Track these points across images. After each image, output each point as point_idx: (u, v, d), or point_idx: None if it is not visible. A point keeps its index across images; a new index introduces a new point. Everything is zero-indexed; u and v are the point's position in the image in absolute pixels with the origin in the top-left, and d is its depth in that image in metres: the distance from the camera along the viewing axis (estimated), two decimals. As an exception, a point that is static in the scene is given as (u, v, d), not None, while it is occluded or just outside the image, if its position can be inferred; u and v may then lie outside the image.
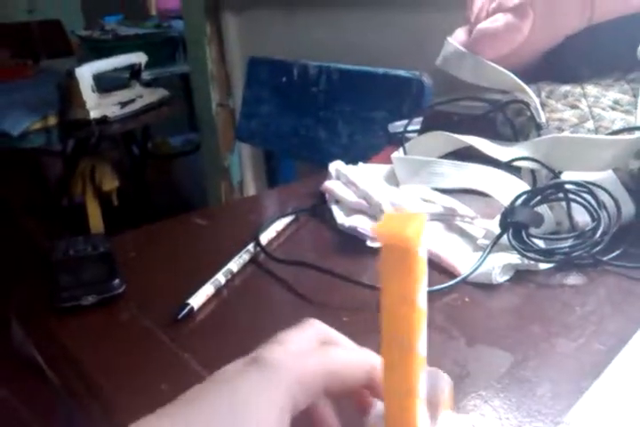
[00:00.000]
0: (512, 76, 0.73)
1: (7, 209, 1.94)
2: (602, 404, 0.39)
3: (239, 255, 0.61)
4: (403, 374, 0.27)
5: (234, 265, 0.59)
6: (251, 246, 0.63)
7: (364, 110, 1.21)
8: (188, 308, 0.52)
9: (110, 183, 1.87)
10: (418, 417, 0.28)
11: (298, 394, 0.28)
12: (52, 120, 1.57)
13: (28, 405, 1.46)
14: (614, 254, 0.57)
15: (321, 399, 0.31)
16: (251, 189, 1.97)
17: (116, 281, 0.55)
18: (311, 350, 0.31)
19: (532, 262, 0.56)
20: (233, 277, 0.59)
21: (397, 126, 0.96)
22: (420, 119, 0.87)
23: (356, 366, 0.30)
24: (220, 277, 0.57)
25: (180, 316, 0.51)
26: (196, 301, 0.53)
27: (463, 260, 0.58)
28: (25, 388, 1.36)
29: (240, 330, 0.51)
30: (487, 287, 0.55)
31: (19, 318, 0.57)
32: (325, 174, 0.78)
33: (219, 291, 0.56)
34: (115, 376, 0.45)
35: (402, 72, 1.14)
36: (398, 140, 0.82)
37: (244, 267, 0.61)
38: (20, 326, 0.56)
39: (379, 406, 0.32)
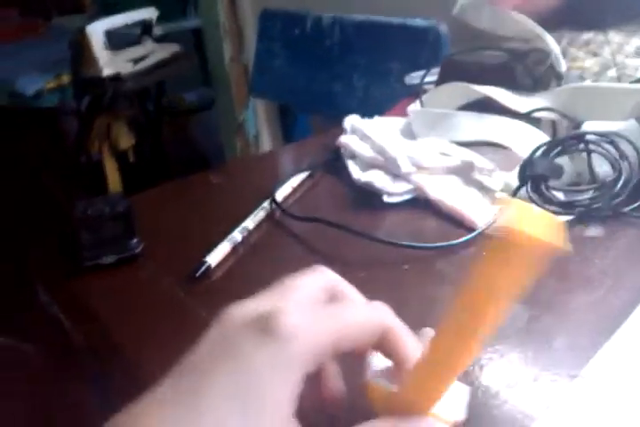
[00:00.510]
0: (532, 23, 0.71)
1: (26, 167, 1.95)
2: (619, 359, 0.39)
3: (255, 213, 0.61)
4: (455, 355, 0.27)
5: (250, 222, 0.59)
6: (266, 203, 0.63)
7: (380, 62, 1.18)
8: (206, 266, 0.52)
9: (126, 141, 1.87)
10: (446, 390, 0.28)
11: (310, 364, 0.27)
12: (66, 78, 1.57)
13: (54, 361, 1.49)
14: (635, 206, 0.56)
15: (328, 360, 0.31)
16: (266, 144, 1.96)
17: (135, 241, 0.55)
18: (322, 310, 0.29)
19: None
20: (249, 234, 0.59)
21: (414, 78, 0.94)
22: (437, 70, 0.85)
23: (368, 328, 0.29)
24: (237, 235, 0.57)
25: (198, 274, 0.51)
26: (213, 258, 0.53)
27: (481, 213, 0.57)
28: (50, 345, 1.39)
29: (257, 287, 0.51)
30: (505, 241, 0.54)
31: (40, 276, 0.57)
32: (341, 129, 0.77)
33: (235, 248, 0.57)
34: (135, 334, 0.46)
35: (418, 21, 1.11)
36: (415, 92, 0.81)
37: (260, 224, 0.61)
38: (41, 284, 0.57)
39: (375, 362, 0.32)
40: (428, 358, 0.28)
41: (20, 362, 1.48)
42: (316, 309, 0.29)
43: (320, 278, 0.32)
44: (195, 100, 2.51)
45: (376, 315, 0.30)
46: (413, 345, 0.30)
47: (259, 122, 1.91)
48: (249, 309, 0.29)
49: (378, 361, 0.31)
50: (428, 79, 0.82)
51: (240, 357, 0.26)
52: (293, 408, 0.26)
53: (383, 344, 0.30)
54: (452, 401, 0.30)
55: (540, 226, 0.22)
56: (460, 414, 0.30)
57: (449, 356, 0.27)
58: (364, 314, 0.30)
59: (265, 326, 0.27)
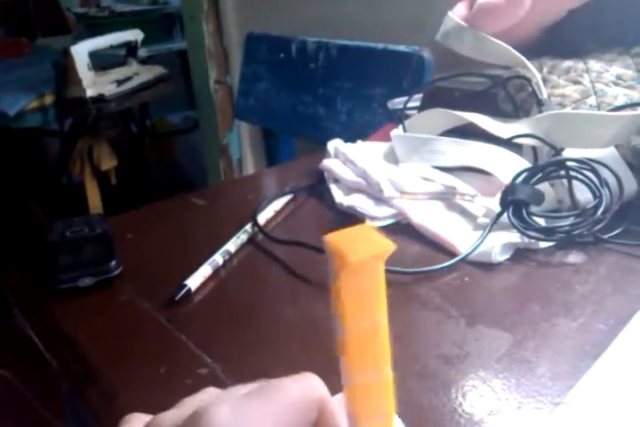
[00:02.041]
0: (513, 51, 0.72)
1: (6, 188, 1.93)
2: (602, 385, 0.38)
3: (237, 236, 0.61)
4: (376, 397, 0.25)
5: (231, 246, 0.59)
6: (248, 227, 0.63)
7: (364, 87, 1.19)
8: (186, 289, 0.51)
9: (108, 163, 1.86)
10: None
11: None
12: (49, 99, 1.56)
13: (30, 386, 1.47)
14: (616, 232, 0.57)
15: None
16: (250, 167, 1.96)
17: (113, 263, 0.54)
18: (257, 399, 0.25)
19: (533, 241, 0.56)
20: (231, 257, 0.58)
21: (397, 103, 0.94)
22: (419, 96, 0.86)
23: (308, 407, 0.26)
24: (218, 258, 0.57)
25: (178, 297, 0.51)
26: (194, 282, 0.53)
27: (463, 239, 0.57)
28: (27, 369, 1.37)
29: (238, 311, 0.50)
30: (487, 266, 0.54)
31: (16, 299, 0.56)
32: (324, 153, 0.77)
33: (216, 272, 0.56)
34: (112, 358, 0.45)
35: (402, 47, 1.12)
36: (398, 117, 0.81)
37: (241, 247, 0.60)
38: (17, 307, 0.56)
39: None
40: (353, 422, 0.26)
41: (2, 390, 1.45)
42: (249, 397, 0.26)
43: (309, 390, 0.27)
44: (178, 122, 2.52)
45: (311, 390, 0.27)
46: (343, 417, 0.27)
47: (242, 145, 1.92)
48: (182, 411, 0.26)
49: None
50: (410, 104, 0.83)
51: None
52: None
53: (320, 421, 0.27)
54: None
55: (360, 243, 0.22)
56: None
57: (371, 401, 0.25)
58: (300, 391, 0.26)
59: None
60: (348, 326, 0.23)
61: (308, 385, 0.26)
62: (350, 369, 0.24)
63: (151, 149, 2.40)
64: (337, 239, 0.22)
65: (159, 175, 2.36)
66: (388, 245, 0.22)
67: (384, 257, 0.22)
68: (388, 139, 0.78)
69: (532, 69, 0.71)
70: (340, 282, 0.22)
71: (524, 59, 0.71)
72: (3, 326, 0.82)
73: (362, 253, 0.21)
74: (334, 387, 0.27)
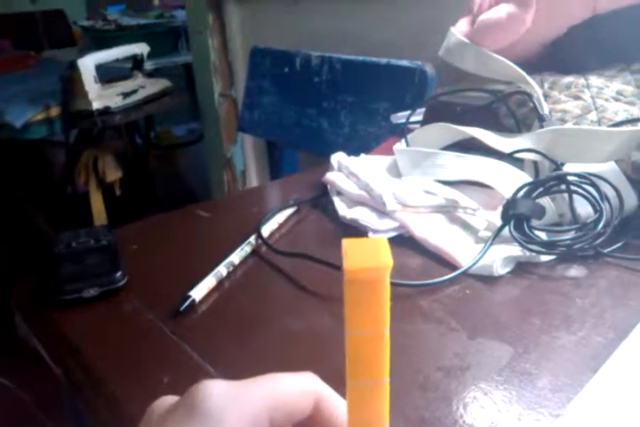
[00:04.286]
0: (515, 66, 0.73)
1: (11, 199, 1.94)
2: (602, 397, 0.39)
3: (241, 247, 0.61)
4: (372, 408, 0.25)
5: (235, 257, 0.60)
6: (252, 238, 0.63)
7: (367, 101, 1.20)
8: (190, 300, 0.52)
9: (113, 174, 1.87)
10: None
11: None
12: (55, 111, 1.57)
13: (33, 395, 1.47)
14: (616, 247, 0.57)
15: None
16: (253, 179, 1.97)
17: (119, 274, 0.55)
18: (252, 382, 0.27)
19: (534, 254, 0.56)
20: (234, 269, 0.59)
21: (400, 117, 0.95)
22: (422, 110, 0.87)
23: (302, 396, 0.27)
24: (222, 270, 0.57)
25: (182, 308, 0.51)
26: (198, 293, 0.53)
27: (464, 252, 0.58)
28: (30, 378, 1.37)
29: (241, 322, 0.51)
30: (488, 279, 0.55)
31: (21, 309, 0.57)
32: (327, 166, 0.78)
33: (220, 283, 0.57)
34: (117, 368, 0.45)
35: (405, 62, 1.13)
36: (400, 131, 0.82)
37: (245, 259, 0.61)
38: (21, 317, 0.56)
39: None
40: (351, 420, 0.26)
41: (4, 399, 1.45)
42: (247, 380, 0.27)
43: (305, 383, 0.28)
44: (183, 134, 2.54)
45: (308, 383, 0.28)
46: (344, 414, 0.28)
47: (246, 157, 1.93)
48: (175, 397, 0.27)
49: None
50: (413, 119, 0.84)
51: None
52: None
53: (317, 415, 0.28)
54: None
55: (365, 254, 0.22)
56: None
57: (367, 411, 0.25)
58: (296, 381, 0.27)
59: (192, 402, 0.25)
60: (348, 332, 0.24)
61: (304, 379, 0.28)
62: (348, 373, 0.25)
63: (155, 160, 2.42)
64: (349, 246, 0.23)
65: (163, 187, 2.38)
66: (386, 262, 0.22)
67: (382, 272, 0.22)
68: (390, 152, 0.79)
69: (534, 85, 0.72)
70: (344, 285, 0.23)
71: (525, 74, 0.72)
72: (5, 334, 0.83)
73: (362, 263, 0.22)
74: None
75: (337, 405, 0.28)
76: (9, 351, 1.28)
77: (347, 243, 0.23)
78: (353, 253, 0.22)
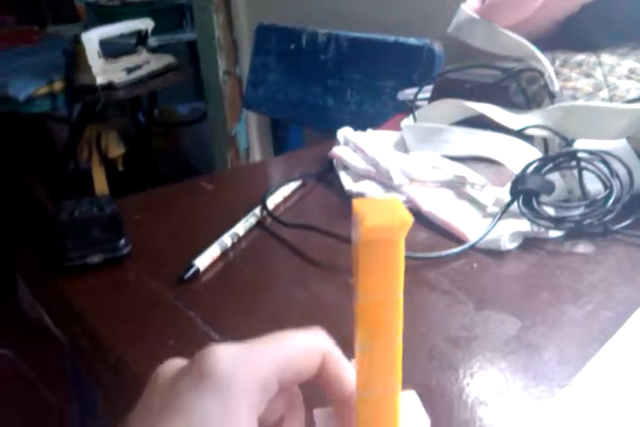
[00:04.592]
0: (526, 43, 0.72)
1: (14, 173, 1.93)
2: (609, 369, 0.38)
3: (245, 219, 0.61)
4: (385, 370, 0.25)
5: (240, 228, 0.59)
6: (257, 210, 0.63)
7: (374, 79, 1.19)
8: (194, 268, 0.52)
9: (116, 150, 1.86)
10: (398, 417, 0.27)
11: (257, 400, 0.25)
12: (59, 85, 1.56)
13: (35, 366, 1.48)
14: (625, 224, 0.57)
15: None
16: (257, 157, 1.96)
17: (122, 241, 0.55)
18: (259, 341, 0.27)
19: (542, 230, 0.56)
20: (239, 240, 0.59)
21: (407, 94, 0.94)
22: (430, 88, 0.86)
23: (310, 354, 0.27)
24: (227, 240, 0.57)
25: (186, 276, 0.51)
26: (202, 262, 0.53)
27: (472, 226, 0.57)
28: (32, 350, 1.38)
29: (246, 291, 0.51)
30: (496, 254, 0.54)
31: (25, 277, 0.56)
32: (333, 142, 0.77)
33: (224, 253, 0.56)
34: (121, 334, 0.45)
35: (413, 40, 1.12)
36: (407, 109, 0.81)
37: (250, 230, 0.60)
38: (25, 285, 0.56)
39: (318, 420, 0.29)
40: (360, 389, 0.26)
41: (4, 366, 1.46)
42: (256, 341, 0.27)
43: (313, 340, 0.28)
44: (186, 113, 2.52)
45: (315, 340, 0.28)
46: (351, 373, 0.28)
47: (250, 135, 1.92)
48: (182, 360, 0.27)
49: (320, 417, 0.29)
50: (420, 96, 0.83)
51: (182, 409, 0.24)
52: None
53: (323, 373, 0.27)
54: (410, 411, 0.29)
55: (381, 213, 0.22)
56: (426, 421, 0.29)
57: (379, 373, 0.26)
58: (304, 340, 0.27)
59: (200, 368, 0.25)
60: (362, 294, 0.23)
61: (313, 336, 0.28)
62: (360, 335, 0.24)
63: (158, 138, 2.41)
64: (362, 205, 0.22)
65: (165, 164, 2.37)
66: (406, 219, 0.22)
67: (402, 229, 0.22)
68: (397, 129, 0.78)
69: (545, 62, 0.71)
70: (359, 247, 0.22)
71: (536, 51, 0.71)
72: (8, 308, 0.83)
73: (380, 220, 0.21)
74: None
75: (343, 363, 0.28)
76: (12, 325, 1.28)
77: (359, 203, 0.22)
78: (369, 212, 0.22)
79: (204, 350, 0.26)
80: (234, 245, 0.58)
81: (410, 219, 0.22)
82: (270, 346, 0.26)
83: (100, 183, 1.84)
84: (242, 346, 0.26)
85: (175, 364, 0.27)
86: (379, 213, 0.22)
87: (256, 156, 1.95)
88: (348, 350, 0.27)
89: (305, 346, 0.27)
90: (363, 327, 0.24)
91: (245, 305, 0.48)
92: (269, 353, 0.26)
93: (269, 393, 0.25)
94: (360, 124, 0.82)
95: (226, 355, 0.25)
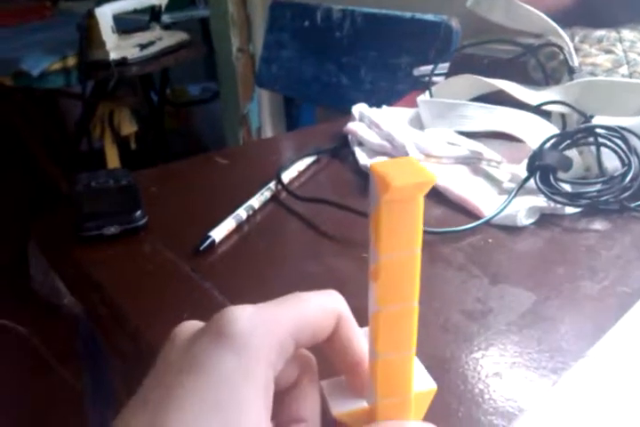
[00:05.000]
0: (546, 18, 0.71)
1: (26, 150, 1.94)
2: (626, 341, 0.38)
3: (260, 192, 0.61)
4: (403, 331, 0.25)
5: (255, 201, 0.59)
6: (272, 184, 0.63)
7: (389, 56, 1.18)
8: (210, 240, 0.52)
9: (128, 128, 1.86)
10: (412, 377, 0.27)
11: (274, 360, 0.25)
12: (72, 61, 1.55)
13: (47, 343, 1.50)
14: (643, 201, 0.56)
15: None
16: (269, 136, 1.96)
17: (139, 213, 0.55)
18: (275, 302, 0.27)
19: (559, 206, 0.55)
20: (254, 213, 0.59)
21: (423, 71, 0.93)
22: (446, 65, 0.85)
23: (325, 315, 0.27)
24: (242, 213, 0.57)
25: (202, 248, 0.51)
26: (218, 234, 0.53)
27: (488, 202, 0.57)
28: (44, 328, 1.39)
29: (261, 263, 0.51)
30: (511, 230, 0.54)
31: (41, 246, 0.57)
32: (347, 118, 0.77)
33: (240, 226, 0.56)
34: (138, 303, 0.45)
35: (429, 16, 1.10)
36: (423, 86, 0.80)
37: (265, 204, 0.61)
38: (41, 254, 0.56)
39: (327, 389, 0.29)
40: (378, 352, 0.26)
41: (18, 343, 1.48)
42: (272, 303, 0.27)
43: (329, 301, 0.28)
44: (197, 93, 2.51)
45: (331, 301, 0.28)
46: (362, 339, 0.28)
47: (262, 114, 1.91)
48: (199, 322, 0.27)
49: (328, 387, 0.29)
50: (437, 72, 0.82)
51: (201, 369, 0.24)
52: (269, 411, 0.24)
53: (336, 335, 0.28)
54: (418, 375, 0.29)
55: (404, 173, 0.22)
56: (432, 383, 0.29)
57: (395, 333, 0.25)
58: (320, 301, 0.27)
59: (218, 328, 0.25)
60: (383, 253, 0.23)
61: (328, 297, 0.28)
62: (379, 296, 0.24)
63: (170, 117, 2.40)
64: (382, 167, 0.22)
65: (177, 144, 2.36)
66: (431, 176, 0.22)
67: (427, 187, 0.22)
68: (413, 106, 0.77)
69: (565, 37, 0.70)
70: (381, 208, 0.22)
71: (556, 26, 0.70)
72: (21, 287, 0.83)
73: (405, 179, 0.21)
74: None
75: (355, 328, 0.28)
76: (24, 303, 1.30)
77: (378, 165, 0.22)
78: (391, 172, 0.22)
79: (221, 311, 0.26)
80: (249, 218, 0.58)
81: (434, 176, 0.22)
82: (286, 306, 0.27)
83: (113, 161, 1.84)
84: (259, 307, 0.26)
85: (192, 325, 0.27)
86: (401, 172, 0.22)
87: (268, 135, 1.95)
88: (363, 322, 0.27)
89: (321, 306, 0.27)
90: (382, 286, 0.24)
91: (261, 277, 0.49)
92: (286, 313, 0.26)
93: (286, 353, 0.25)
94: (375, 103, 0.82)
95: (244, 315, 0.25)
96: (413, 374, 0.27)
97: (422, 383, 0.29)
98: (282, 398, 0.27)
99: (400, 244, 0.23)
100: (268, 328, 0.25)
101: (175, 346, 0.26)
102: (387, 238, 0.23)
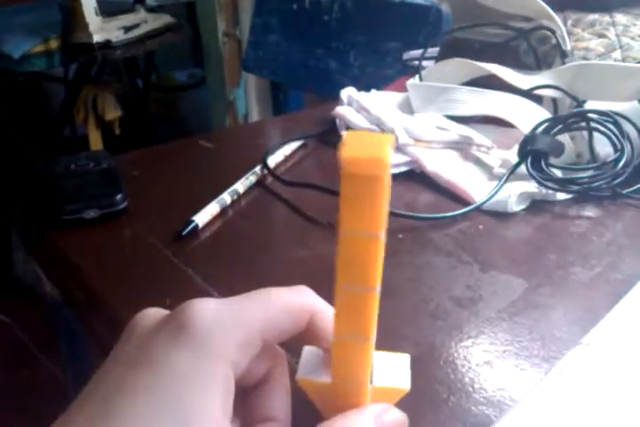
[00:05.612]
0: (538, 1, 0.69)
1: (8, 134, 1.90)
2: (622, 328, 0.37)
3: (245, 177, 0.59)
4: (361, 316, 0.24)
5: (240, 186, 0.58)
6: (258, 168, 0.61)
7: (378, 40, 1.16)
8: (193, 224, 0.50)
9: (112, 113, 1.83)
10: (370, 363, 0.26)
11: (236, 358, 0.24)
12: (55, 43, 1.52)
13: (30, 332, 1.48)
14: (635, 188, 0.55)
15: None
16: (256, 123, 1.94)
17: (119, 196, 0.53)
18: (244, 301, 0.26)
19: (550, 192, 0.54)
20: (239, 197, 0.57)
21: (413, 55, 0.92)
22: (436, 49, 0.84)
23: (295, 311, 0.26)
24: (226, 197, 0.55)
25: (185, 232, 0.50)
26: (201, 218, 0.52)
27: (478, 187, 0.56)
28: (26, 316, 1.38)
29: (245, 248, 0.49)
30: (502, 216, 0.53)
31: (19, 231, 0.55)
32: (335, 103, 0.75)
33: (224, 211, 0.55)
34: (118, 289, 0.44)
35: (419, 0, 1.09)
36: (413, 71, 0.79)
37: (250, 189, 0.59)
38: (20, 239, 0.54)
39: (306, 355, 0.29)
40: (335, 333, 0.25)
41: (0, 332, 1.47)
42: (239, 297, 0.26)
43: (299, 298, 0.27)
44: (184, 79, 2.48)
45: (301, 298, 0.27)
46: None
47: (249, 100, 1.89)
48: (160, 310, 0.26)
49: (309, 354, 0.29)
50: (426, 56, 0.80)
51: (155, 365, 0.23)
52: (228, 416, 0.23)
53: (311, 330, 0.27)
54: (393, 371, 0.28)
55: (367, 145, 0.21)
56: (405, 383, 0.28)
57: (354, 318, 0.24)
58: (290, 298, 0.26)
59: (179, 322, 0.24)
60: (343, 227, 0.22)
61: (299, 293, 0.27)
62: (338, 272, 0.23)
63: (156, 103, 2.37)
64: (352, 137, 0.21)
65: (163, 130, 2.33)
66: (385, 155, 0.20)
67: (379, 165, 0.20)
68: (402, 90, 0.76)
69: (557, 20, 0.68)
70: (341, 183, 0.21)
71: (549, 9, 0.69)
72: (3, 274, 0.82)
73: (361, 153, 0.20)
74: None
75: (331, 317, 0.27)
76: (6, 292, 1.28)
77: (350, 134, 0.21)
78: (353, 143, 0.21)
79: (184, 304, 0.24)
80: (233, 202, 0.56)
81: (388, 156, 0.20)
82: (254, 304, 0.25)
83: (96, 146, 1.81)
84: (225, 302, 0.25)
85: (155, 313, 0.26)
86: (364, 145, 0.21)
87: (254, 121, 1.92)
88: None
89: (290, 303, 0.26)
90: (341, 262, 0.23)
91: (244, 262, 0.47)
92: (253, 311, 0.25)
93: (252, 351, 0.24)
94: (363, 88, 0.80)
95: (208, 310, 0.24)
96: (370, 362, 0.26)
97: (396, 380, 0.28)
98: (250, 395, 0.27)
99: (361, 222, 0.22)
100: (232, 325, 0.24)
101: (134, 336, 0.25)
102: (346, 212, 0.22)
